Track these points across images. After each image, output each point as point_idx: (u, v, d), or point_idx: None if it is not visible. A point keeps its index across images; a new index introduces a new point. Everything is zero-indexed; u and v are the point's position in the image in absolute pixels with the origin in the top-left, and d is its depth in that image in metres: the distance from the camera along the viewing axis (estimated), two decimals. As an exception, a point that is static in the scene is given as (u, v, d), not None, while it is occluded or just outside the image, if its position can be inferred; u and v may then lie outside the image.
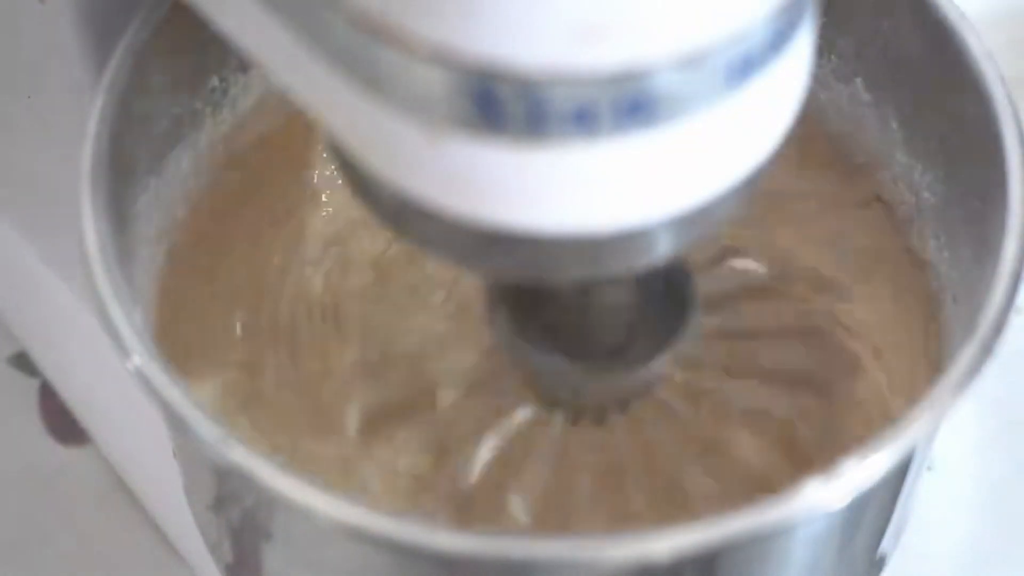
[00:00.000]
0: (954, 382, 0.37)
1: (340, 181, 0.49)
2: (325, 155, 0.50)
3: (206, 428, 0.36)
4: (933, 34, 0.43)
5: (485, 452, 0.45)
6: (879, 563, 0.44)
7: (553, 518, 0.44)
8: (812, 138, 0.47)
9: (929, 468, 0.59)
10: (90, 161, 0.40)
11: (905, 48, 0.45)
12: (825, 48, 0.46)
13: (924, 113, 0.45)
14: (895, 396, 0.46)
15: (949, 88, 0.43)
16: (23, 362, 0.66)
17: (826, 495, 0.35)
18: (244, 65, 0.46)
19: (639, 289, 0.40)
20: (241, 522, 0.41)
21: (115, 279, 0.38)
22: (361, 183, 0.34)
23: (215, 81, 0.45)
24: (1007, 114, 0.41)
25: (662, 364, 0.41)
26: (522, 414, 0.45)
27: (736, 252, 0.49)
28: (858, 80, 0.47)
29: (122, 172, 0.41)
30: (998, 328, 0.38)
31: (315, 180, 0.50)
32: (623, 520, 0.44)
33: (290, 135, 0.48)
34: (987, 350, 0.38)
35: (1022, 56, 0.56)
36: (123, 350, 0.38)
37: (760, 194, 0.34)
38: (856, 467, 0.36)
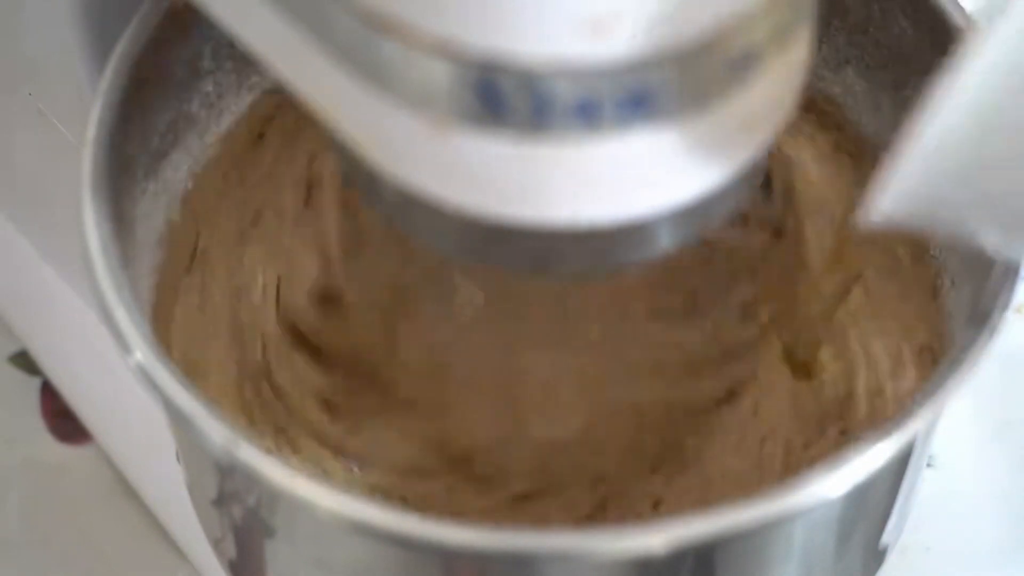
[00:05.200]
0: (954, 366, 0.37)
1: (334, 182, 0.50)
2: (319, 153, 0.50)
3: (210, 424, 0.36)
4: (923, 16, 0.43)
5: None
6: (880, 556, 0.44)
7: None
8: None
9: (929, 465, 0.59)
10: (90, 164, 0.40)
11: (895, 32, 0.45)
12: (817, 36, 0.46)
13: (917, 98, 0.45)
14: None
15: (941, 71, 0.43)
16: (24, 361, 0.66)
17: (826, 484, 0.36)
18: (238, 69, 0.46)
19: None
20: (244, 518, 0.41)
21: (116, 277, 0.38)
22: (364, 177, 0.34)
23: (209, 85, 0.45)
24: None
25: None
26: None
27: None
28: (849, 67, 0.47)
29: (121, 175, 0.41)
30: (999, 310, 0.38)
31: (310, 182, 0.50)
32: None
33: (285, 136, 0.49)
34: (988, 332, 0.38)
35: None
36: (125, 347, 0.38)
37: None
38: (856, 456, 0.36)
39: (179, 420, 0.37)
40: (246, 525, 0.41)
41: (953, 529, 0.59)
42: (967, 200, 0.32)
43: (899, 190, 0.31)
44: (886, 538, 0.43)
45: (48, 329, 0.62)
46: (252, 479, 0.36)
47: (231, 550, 0.44)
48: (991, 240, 0.34)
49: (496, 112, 0.31)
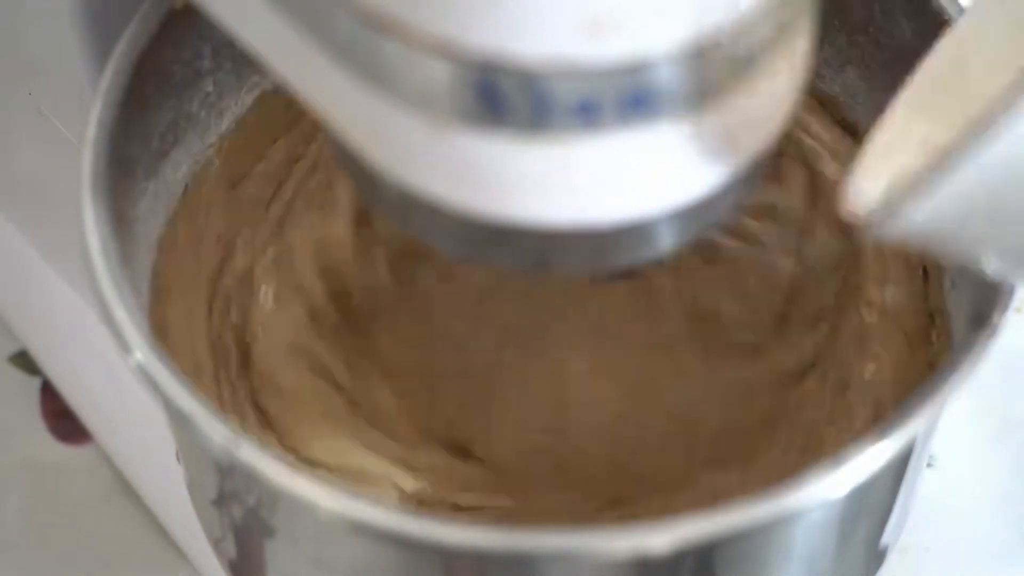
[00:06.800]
0: (954, 366, 0.37)
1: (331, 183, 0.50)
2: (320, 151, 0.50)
3: (210, 424, 0.36)
4: (923, 17, 0.43)
5: None
6: (880, 555, 0.44)
7: None
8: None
9: (929, 465, 0.59)
10: (90, 164, 0.40)
11: (896, 33, 0.45)
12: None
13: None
14: None
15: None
16: (24, 361, 0.66)
17: (827, 484, 0.36)
18: (238, 69, 0.46)
19: None
20: (244, 518, 0.41)
21: (116, 277, 0.39)
22: (364, 177, 0.34)
23: (210, 85, 0.45)
24: None
25: None
26: None
27: None
28: (850, 68, 0.47)
29: (121, 175, 0.41)
30: (999, 310, 0.38)
31: (308, 182, 0.50)
32: None
33: (284, 136, 0.49)
34: (988, 332, 0.38)
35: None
36: (125, 346, 0.38)
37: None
38: (857, 456, 0.36)
39: (179, 420, 0.37)
40: (246, 525, 0.41)
41: (953, 529, 0.59)
42: (981, 232, 0.33)
43: (919, 216, 0.32)
44: (886, 538, 0.43)
45: (48, 329, 0.62)
46: (252, 479, 0.37)
47: (231, 550, 0.44)
48: (993, 266, 0.35)
49: (496, 112, 0.31)
